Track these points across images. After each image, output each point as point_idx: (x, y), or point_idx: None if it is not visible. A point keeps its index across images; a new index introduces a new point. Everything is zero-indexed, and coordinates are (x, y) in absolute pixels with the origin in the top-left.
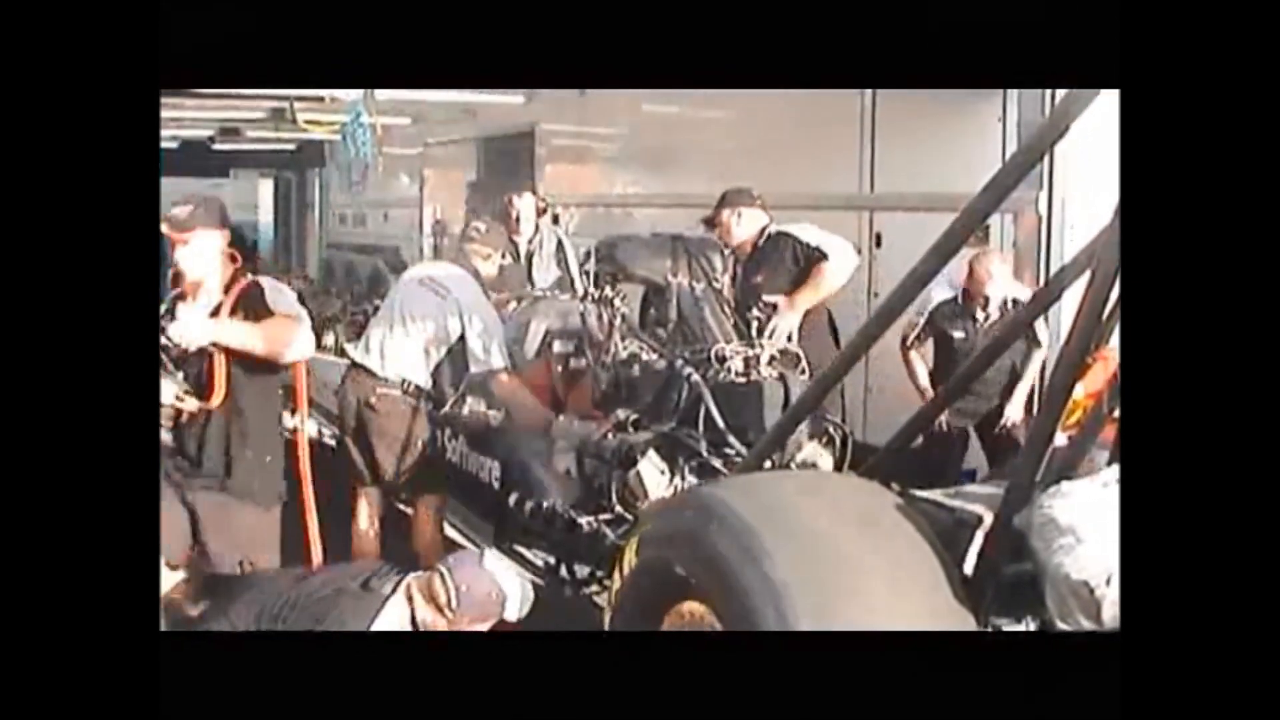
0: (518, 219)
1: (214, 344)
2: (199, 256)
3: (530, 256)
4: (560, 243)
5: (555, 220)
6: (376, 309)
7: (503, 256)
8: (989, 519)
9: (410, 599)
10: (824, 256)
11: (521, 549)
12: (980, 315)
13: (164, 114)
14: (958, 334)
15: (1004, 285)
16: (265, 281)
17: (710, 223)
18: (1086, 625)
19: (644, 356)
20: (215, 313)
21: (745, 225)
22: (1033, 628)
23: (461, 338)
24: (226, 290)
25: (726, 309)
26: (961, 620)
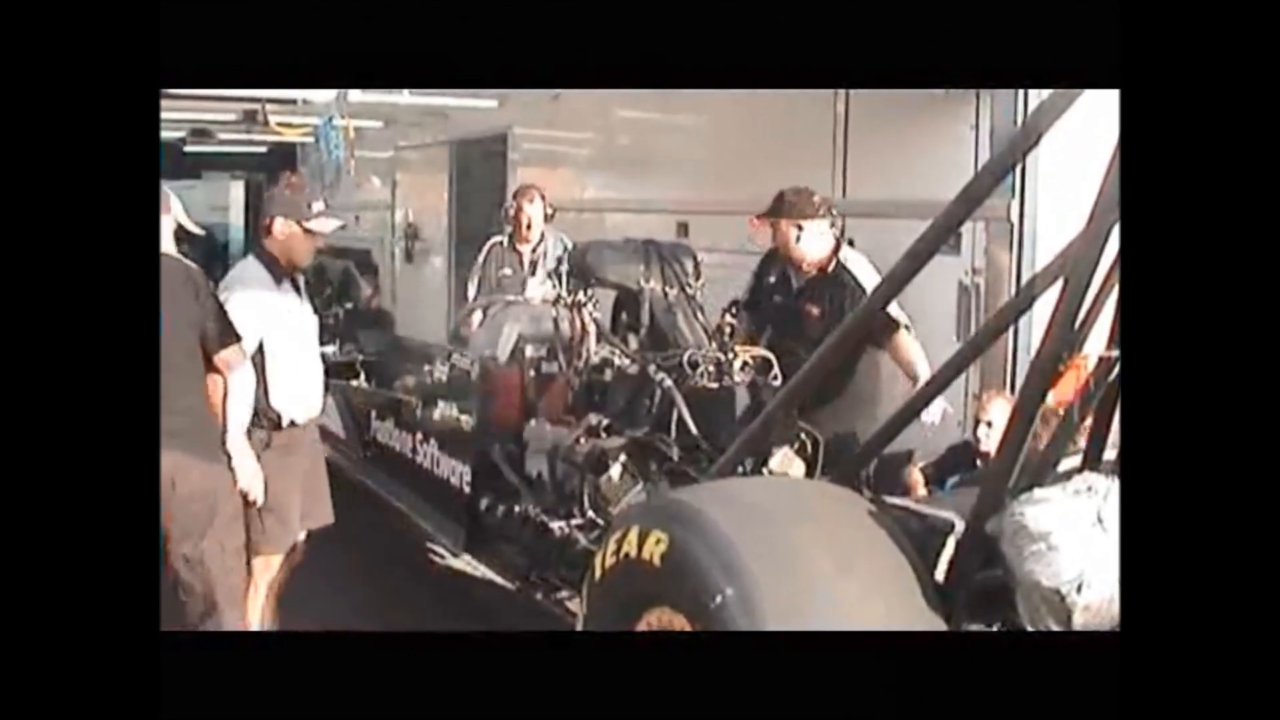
0: (528, 226)
1: None
2: None
3: (535, 266)
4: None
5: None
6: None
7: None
8: (961, 525)
9: None
10: (898, 326)
11: (493, 554)
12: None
13: None
14: None
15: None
16: None
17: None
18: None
19: (616, 362)
20: None
21: (815, 242)
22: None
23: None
24: None
25: (700, 314)
26: (933, 626)
